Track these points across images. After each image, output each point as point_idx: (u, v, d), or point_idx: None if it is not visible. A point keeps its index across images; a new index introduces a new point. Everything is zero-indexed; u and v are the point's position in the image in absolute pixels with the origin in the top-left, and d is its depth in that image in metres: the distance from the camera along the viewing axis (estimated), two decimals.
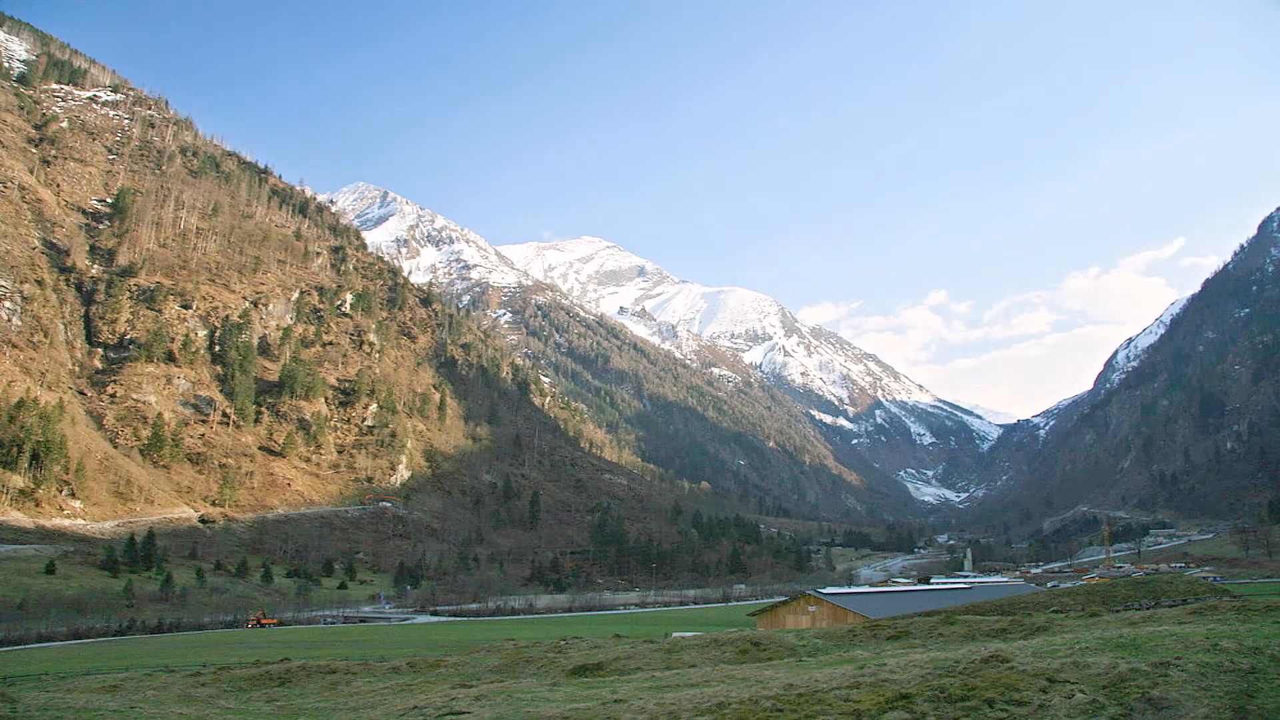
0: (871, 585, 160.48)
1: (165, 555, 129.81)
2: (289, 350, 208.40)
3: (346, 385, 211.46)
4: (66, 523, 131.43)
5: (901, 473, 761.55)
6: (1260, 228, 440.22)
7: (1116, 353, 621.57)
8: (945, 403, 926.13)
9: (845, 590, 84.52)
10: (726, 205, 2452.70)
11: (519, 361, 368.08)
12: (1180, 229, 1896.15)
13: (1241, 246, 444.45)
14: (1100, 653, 15.36)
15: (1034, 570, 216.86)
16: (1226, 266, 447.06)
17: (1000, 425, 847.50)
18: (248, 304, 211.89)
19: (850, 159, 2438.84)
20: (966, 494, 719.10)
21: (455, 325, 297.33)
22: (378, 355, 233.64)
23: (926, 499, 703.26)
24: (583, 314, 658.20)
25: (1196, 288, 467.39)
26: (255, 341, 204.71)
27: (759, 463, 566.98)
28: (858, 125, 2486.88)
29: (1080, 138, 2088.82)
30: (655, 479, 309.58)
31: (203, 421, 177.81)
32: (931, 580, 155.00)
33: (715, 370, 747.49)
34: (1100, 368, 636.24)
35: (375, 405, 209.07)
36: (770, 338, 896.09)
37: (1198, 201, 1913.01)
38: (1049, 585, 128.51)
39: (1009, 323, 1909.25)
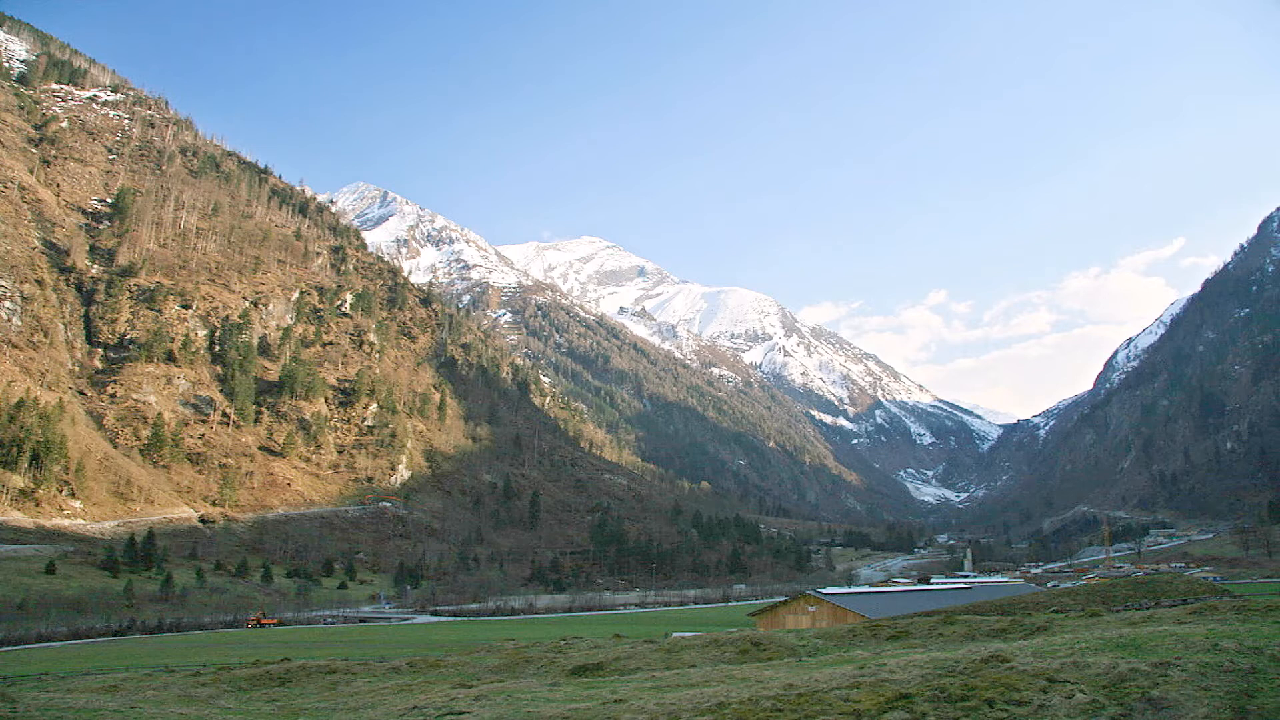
0: (871, 585, 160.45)
1: (165, 555, 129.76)
2: (289, 350, 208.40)
3: (346, 385, 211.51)
4: (66, 523, 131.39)
5: (901, 473, 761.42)
6: (1260, 228, 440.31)
7: (1116, 353, 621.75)
8: (945, 403, 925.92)
9: (845, 590, 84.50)
10: (726, 205, 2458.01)
11: (519, 361, 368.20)
12: (1180, 229, 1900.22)
13: (1241, 246, 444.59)
14: (1100, 653, 15.36)
15: (1034, 570, 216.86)
16: (1226, 266, 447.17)
17: (1000, 425, 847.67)
18: (248, 304, 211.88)
19: (850, 159, 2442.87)
20: (966, 494, 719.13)
21: (455, 325, 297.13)
22: (378, 355, 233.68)
23: (926, 499, 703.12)
24: (583, 314, 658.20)
25: (1196, 288, 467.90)
26: (255, 341, 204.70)
27: (759, 463, 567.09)
28: (858, 125, 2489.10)
29: (1080, 138, 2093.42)
30: (655, 479, 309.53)
31: (203, 422, 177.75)
32: (931, 580, 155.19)
33: (715, 370, 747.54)
34: (1100, 368, 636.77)
35: (375, 405, 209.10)
36: (770, 338, 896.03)
37: (1198, 201, 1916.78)
38: (1049, 585, 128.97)
39: (1009, 323, 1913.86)
